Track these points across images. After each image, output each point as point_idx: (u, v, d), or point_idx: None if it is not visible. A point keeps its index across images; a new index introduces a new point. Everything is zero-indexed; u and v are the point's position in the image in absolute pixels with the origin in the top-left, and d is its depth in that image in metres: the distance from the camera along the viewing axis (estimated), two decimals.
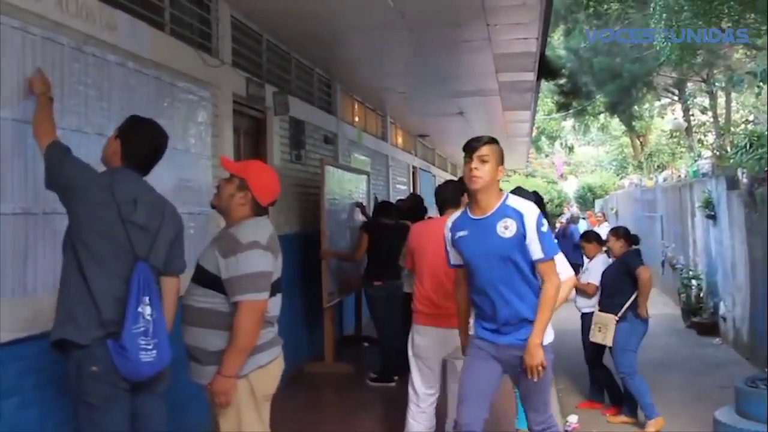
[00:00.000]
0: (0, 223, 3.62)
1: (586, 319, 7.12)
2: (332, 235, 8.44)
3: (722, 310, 11.09)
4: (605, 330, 6.75)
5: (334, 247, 8.47)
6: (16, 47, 3.78)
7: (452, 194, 5.25)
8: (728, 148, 13.63)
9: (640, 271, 6.70)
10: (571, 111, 29.17)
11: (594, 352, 7.14)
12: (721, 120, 23.66)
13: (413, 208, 7.94)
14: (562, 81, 24.92)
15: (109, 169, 3.62)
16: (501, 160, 4.07)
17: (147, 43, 5.05)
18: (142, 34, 4.99)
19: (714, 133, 23.59)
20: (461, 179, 4.52)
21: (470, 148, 4.06)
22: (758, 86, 12.15)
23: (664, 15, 13.42)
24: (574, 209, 27.15)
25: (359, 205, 9.76)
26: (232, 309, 3.53)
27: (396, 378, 7.54)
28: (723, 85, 21.73)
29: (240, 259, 3.52)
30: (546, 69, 11.80)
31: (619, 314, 6.69)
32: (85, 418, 3.42)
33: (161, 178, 4.81)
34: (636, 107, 26.32)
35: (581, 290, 7.13)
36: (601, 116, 31.92)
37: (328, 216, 8.28)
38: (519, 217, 4.01)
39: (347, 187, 9.52)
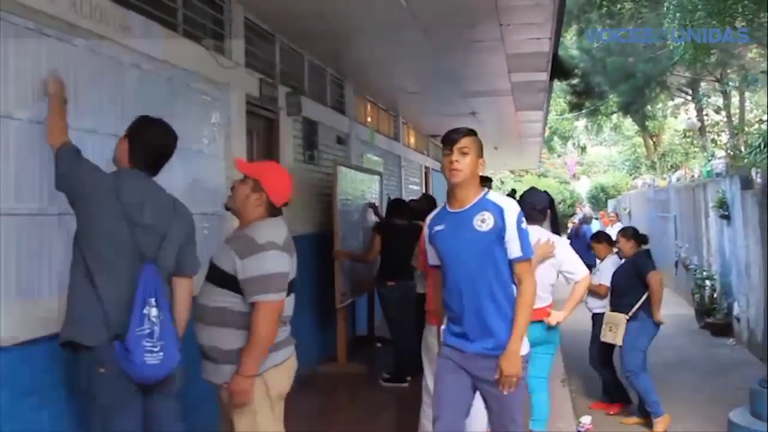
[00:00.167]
0: (16, 223, 3.64)
1: (597, 319, 7.12)
2: (345, 236, 8.45)
3: (736, 310, 11.03)
4: (616, 329, 6.73)
5: (347, 247, 8.47)
6: (31, 48, 3.81)
7: None
8: (742, 148, 13.60)
9: (650, 277, 6.69)
10: (583, 111, 29.12)
11: (605, 352, 7.13)
12: (735, 119, 23.53)
13: (426, 208, 7.92)
14: (574, 81, 24.89)
15: (117, 171, 3.63)
16: (480, 153, 3.91)
17: (160, 44, 5.06)
18: (155, 35, 5.01)
19: (728, 132, 23.47)
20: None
21: (450, 140, 3.87)
22: None
23: (678, 14, 13.36)
24: (587, 209, 27.03)
25: (372, 205, 9.76)
26: (248, 308, 3.54)
27: (409, 378, 7.54)
28: (737, 84, 21.66)
29: (258, 260, 3.54)
30: (559, 69, 11.77)
31: (630, 314, 6.69)
32: (97, 419, 3.43)
33: (175, 179, 4.84)
34: (649, 107, 26.25)
35: (592, 291, 7.12)
36: (614, 116, 31.85)
37: (340, 216, 8.29)
38: (499, 211, 3.81)
39: (360, 188, 9.52)
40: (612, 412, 7.20)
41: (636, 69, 21.65)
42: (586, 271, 5.40)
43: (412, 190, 14.98)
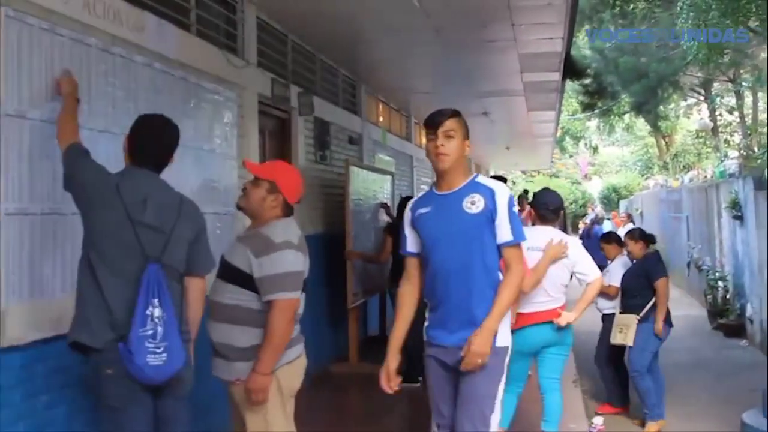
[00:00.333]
0: (28, 223, 3.66)
1: (608, 320, 7.10)
2: (357, 236, 8.45)
3: (749, 311, 10.98)
4: (626, 330, 6.71)
5: (359, 247, 8.48)
6: (45, 48, 3.82)
7: None
8: (755, 148, 13.53)
9: (658, 285, 6.67)
10: (596, 111, 29.00)
11: (614, 353, 7.10)
12: (748, 120, 23.44)
13: None
14: (587, 81, 24.77)
15: (120, 170, 3.57)
16: (466, 134, 3.70)
17: (173, 44, 5.08)
18: (168, 35, 5.02)
19: (741, 133, 23.37)
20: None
21: (433, 123, 3.64)
22: None
23: (691, 14, 13.32)
24: (599, 210, 26.99)
25: (384, 205, 9.76)
26: (262, 306, 3.56)
27: (420, 379, 7.51)
28: (750, 84, 21.53)
29: (274, 259, 3.55)
30: (571, 69, 11.73)
31: (641, 314, 6.66)
32: (107, 420, 3.42)
33: (187, 178, 4.85)
34: (662, 107, 26.10)
35: (603, 292, 7.08)
36: (626, 116, 31.70)
37: (352, 216, 8.29)
38: (490, 193, 3.62)
39: (372, 188, 9.52)
40: (613, 412, 7.15)
41: (649, 69, 21.54)
42: (598, 272, 5.38)
43: (423, 191, 14.95)
